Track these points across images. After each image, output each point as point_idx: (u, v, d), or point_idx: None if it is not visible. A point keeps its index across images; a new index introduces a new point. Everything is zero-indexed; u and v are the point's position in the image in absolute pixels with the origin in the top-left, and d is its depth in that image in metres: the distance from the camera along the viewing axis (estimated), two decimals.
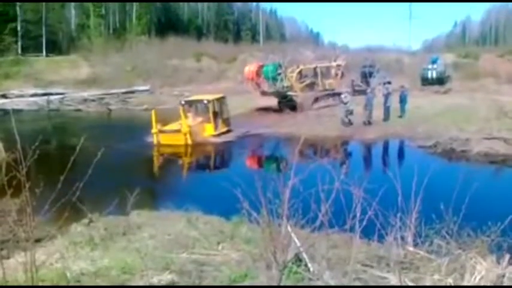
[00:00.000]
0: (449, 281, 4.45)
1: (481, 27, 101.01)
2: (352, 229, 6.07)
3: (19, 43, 52.43)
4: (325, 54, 44.61)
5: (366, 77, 34.04)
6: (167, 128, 20.28)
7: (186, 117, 20.50)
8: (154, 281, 4.60)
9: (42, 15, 54.80)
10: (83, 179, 4.28)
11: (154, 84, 42.93)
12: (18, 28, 52.37)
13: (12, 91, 38.62)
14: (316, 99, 28.72)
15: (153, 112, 20.36)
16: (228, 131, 22.25)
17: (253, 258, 5.23)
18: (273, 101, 29.50)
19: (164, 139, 19.98)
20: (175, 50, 52.09)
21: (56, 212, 4.35)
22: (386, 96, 23.91)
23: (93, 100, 37.78)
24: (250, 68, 29.78)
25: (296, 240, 4.88)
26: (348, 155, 18.75)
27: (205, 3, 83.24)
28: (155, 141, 19.99)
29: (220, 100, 22.74)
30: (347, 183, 6.45)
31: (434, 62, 39.88)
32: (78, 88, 40.82)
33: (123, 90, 40.58)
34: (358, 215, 6.16)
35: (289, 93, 28.43)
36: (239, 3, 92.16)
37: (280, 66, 28.44)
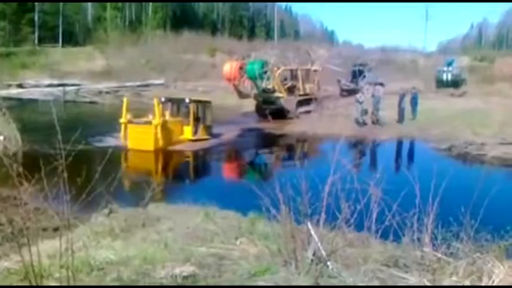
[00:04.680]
0: (467, 283, 4.50)
1: (498, 30, 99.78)
2: (369, 229, 6.15)
3: (36, 33, 53.11)
4: (340, 53, 44.48)
5: (356, 76, 33.32)
6: (138, 119, 18.53)
7: (163, 114, 18.74)
8: (177, 271, 4.71)
9: (60, 6, 55.29)
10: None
11: (169, 78, 43.24)
12: (36, 18, 52.97)
13: (28, 81, 39.15)
14: (300, 104, 26.72)
15: (124, 100, 19.12)
16: (207, 140, 20.13)
17: (271, 253, 5.31)
18: None
19: (132, 134, 18.00)
20: (190, 45, 52.43)
21: (72, 202, 4.39)
22: (401, 97, 23.83)
23: (107, 92, 38.17)
24: (232, 66, 26.25)
25: (315, 238, 4.95)
26: (363, 155, 18.78)
27: None
28: (122, 136, 18.26)
29: (205, 105, 20.95)
30: (365, 183, 6.53)
31: (449, 64, 39.62)
32: (93, 80, 41.24)
33: (138, 83, 40.99)
34: (374, 215, 6.25)
35: (276, 94, 25.83)
36: None
37: (266, 64, 25.73)
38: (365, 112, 22.79)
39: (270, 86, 25.47)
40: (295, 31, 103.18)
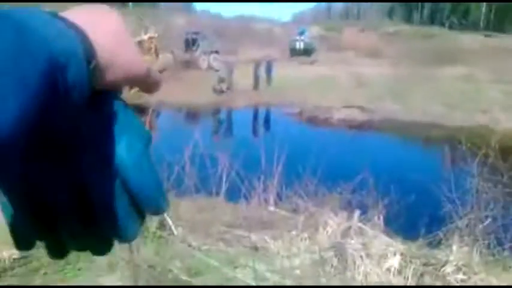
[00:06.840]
0: (305, 235, 4.80)
1: (345, 2, 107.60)
2: (218, 193, 6.23)
3: None
4: (197, 22, 44.04)
5: (189, 45, 31.51)
6: None
7: None
8: (4, 255, 4.28)
9: None
10: None
11: None
12: None
13: None
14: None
15: None
16: None
17: None
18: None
19: None
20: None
21: None
22: (257, 65, 24.50)
23: None
24: None
25: None
26: (217, 122, 18.97)
27: None
28: None
29: None
30: (213, 149, 6.55)
31: (301, 33, 41.45)
32: None
33: None
34: (224, 179, 6.33)
35: None
36: None
37: None
38: (222, 80, 23.00)
39: None
40: None
